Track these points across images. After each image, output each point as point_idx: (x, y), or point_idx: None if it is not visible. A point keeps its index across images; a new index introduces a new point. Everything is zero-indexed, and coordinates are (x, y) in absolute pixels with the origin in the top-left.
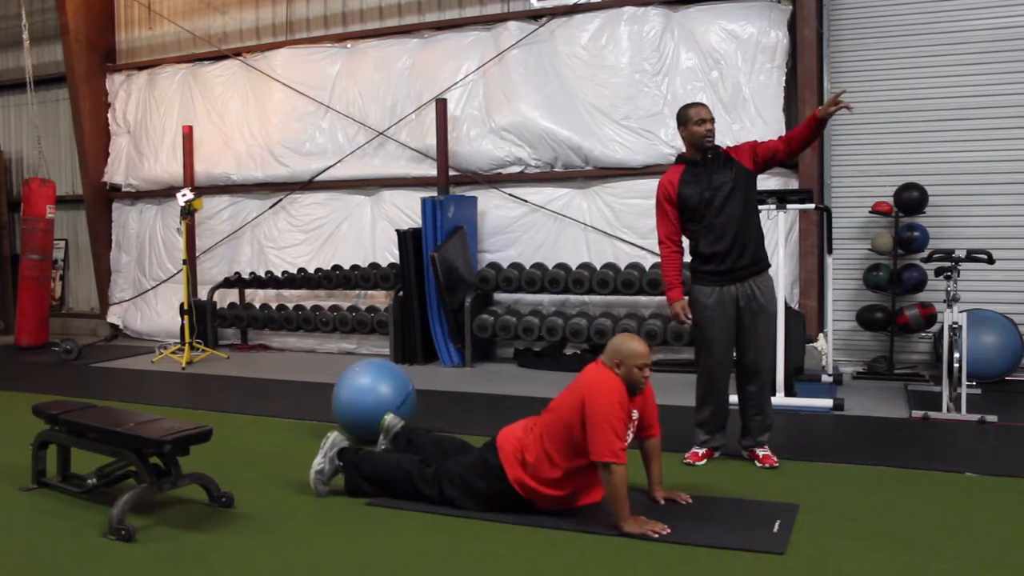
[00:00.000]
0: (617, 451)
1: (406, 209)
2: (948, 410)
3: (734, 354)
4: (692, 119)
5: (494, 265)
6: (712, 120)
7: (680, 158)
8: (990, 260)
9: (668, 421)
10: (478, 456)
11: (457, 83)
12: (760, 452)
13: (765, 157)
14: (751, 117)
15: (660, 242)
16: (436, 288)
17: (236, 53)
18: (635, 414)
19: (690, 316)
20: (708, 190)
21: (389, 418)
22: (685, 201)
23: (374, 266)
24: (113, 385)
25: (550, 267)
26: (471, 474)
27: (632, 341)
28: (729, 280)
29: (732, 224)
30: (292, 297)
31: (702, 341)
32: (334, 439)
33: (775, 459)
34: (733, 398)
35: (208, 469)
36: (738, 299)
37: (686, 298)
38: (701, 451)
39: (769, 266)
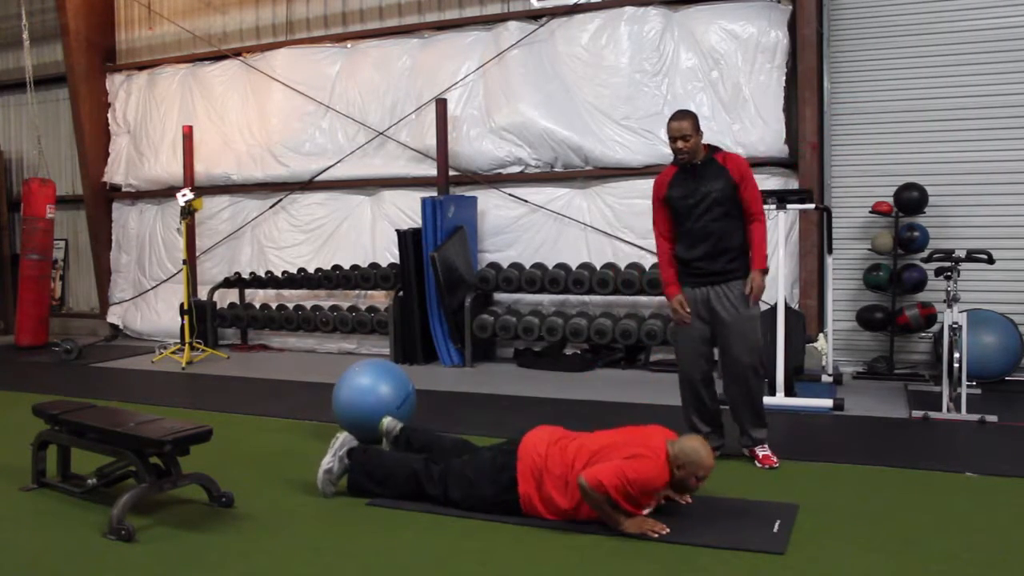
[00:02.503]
0: (601, 487)
1: (406, 209)
2: (948, 410)
3: (715, 356)
4: (669, 134)
5: (494, 265)
6: (684, 137)
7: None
8: (990, 260)
9: (668, 421)
10: (491, 459)
11: (457, 83)
12: (760, 452)
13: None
14: (751, 117)
15: (655, 237)
16: (436, 288)
17: (236, 53)
18: (661, 494)
19: (687, 309)
20: (692, 197)
21: (387, 421)
22: (671, 203)
23: (374, 266)
24: (113, 385)
25: (550, 267)
26: (480, 477)
27: (706, 455)
28: (700, 283)
29: (709, 234)
30: (292, 297)
31: (676, 341)
32: (344, 439)
33: (775, 459)
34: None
35: (208, 469)
36: (710, 300)
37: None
38: None
39: (748, 275)
